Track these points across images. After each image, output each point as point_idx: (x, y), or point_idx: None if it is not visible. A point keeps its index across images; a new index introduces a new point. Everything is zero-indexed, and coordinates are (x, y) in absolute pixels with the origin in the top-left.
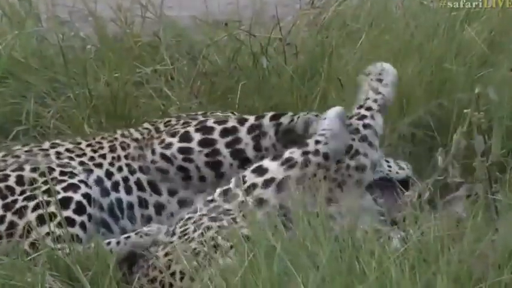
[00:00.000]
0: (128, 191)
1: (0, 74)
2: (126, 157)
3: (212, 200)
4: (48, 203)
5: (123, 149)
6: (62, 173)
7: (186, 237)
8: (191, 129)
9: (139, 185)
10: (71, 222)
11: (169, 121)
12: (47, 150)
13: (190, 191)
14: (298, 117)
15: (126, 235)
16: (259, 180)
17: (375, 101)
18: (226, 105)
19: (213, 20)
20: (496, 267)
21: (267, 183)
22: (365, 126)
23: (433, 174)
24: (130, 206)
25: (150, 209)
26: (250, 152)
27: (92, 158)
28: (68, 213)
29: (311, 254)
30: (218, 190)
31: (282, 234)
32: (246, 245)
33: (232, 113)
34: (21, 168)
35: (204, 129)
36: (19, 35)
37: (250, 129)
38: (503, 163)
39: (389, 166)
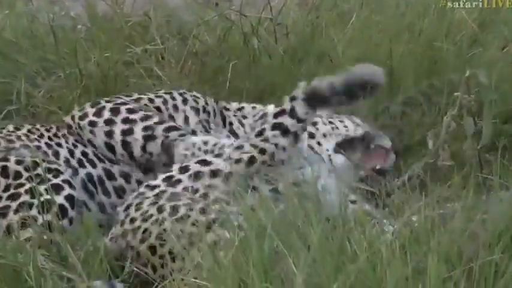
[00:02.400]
0: (93, 165)
1: None
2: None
3: (156, 186)
4: (30, 206)
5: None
6: (48, 170)
7: (153, 218)
8: (108, 106)
9: (97, 156)
10: (61, 219)
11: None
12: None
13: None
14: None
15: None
16: (206, 169)
17: None
18: (217, 85)
19: (204, 0)
20: (486, 247)
21: (214, 173)
22: None
23: (423, 156)
24: (101, 180)
25: (119, 180)
26: (137, 151)
27: (50, 139)
28: (49, 217)
29: (302, 234)
30: (160, 176)
31: (272, 214)
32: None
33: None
34: (5, 159)
35: (115, 110)
36: (9, 14)
37: (145, 128)
38: (493, 144)
39: (345, 126)
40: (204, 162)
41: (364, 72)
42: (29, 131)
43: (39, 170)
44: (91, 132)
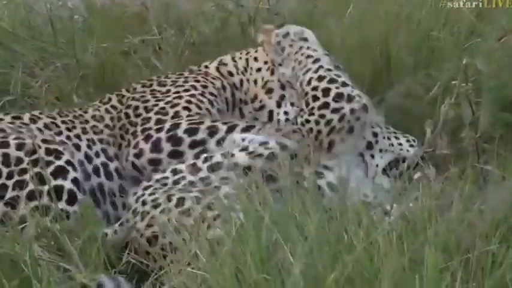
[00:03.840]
0: (109, 177)
1: None
2: (100, 141)
3: (178, 171)
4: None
5: (96, 133)
6: (48, 152)
7: (160, 208)
8: (163, 136)
9: (118, 173)
10: (66, 212)
11: (138, 108)
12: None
13: None
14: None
15: (118, 222)
16: (226, 161)
17: None
18: None
19: None
20: (484, 237)
21: (232, 166)
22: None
23: (421, 145)
24: (112, 193)
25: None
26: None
27: (68, 138)
28: (62, 204)
29: (299, 225)
30: (187, 162)
31: (270, 205)
32: (233, 216)
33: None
34: (6, 145)
35: (174, 139)
36: (7, 4)
37: (219, 142)
38: (491, 134)
39: (400, 144)
40: (227, 155)
41: None
42: (45, 125)
43: (41, 152)
44: (154, 170)
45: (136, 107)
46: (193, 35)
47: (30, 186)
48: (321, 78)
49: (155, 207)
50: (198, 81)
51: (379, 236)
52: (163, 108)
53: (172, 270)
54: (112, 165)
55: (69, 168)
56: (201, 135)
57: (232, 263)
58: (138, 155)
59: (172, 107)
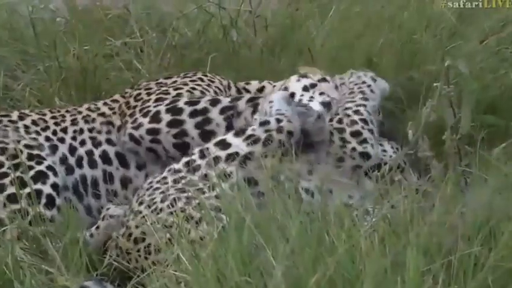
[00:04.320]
0: (92, 165)
1: None
2: (90, 130)
3: (178, 170)
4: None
5: (87, 122)
6: (30, 157)
7: (154, 207)
8: (162, 108)
9: (105, 157)
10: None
11: (140, 94)
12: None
13: (159, 166)
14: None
15: (95, 226)
16: (223, 153)
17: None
18: None
19: None
20: (465, 240)
21: (230, 157)
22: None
23: (403, 147)
24: (95, 182)
25: (115, 184)
26: (222, 133)
27: (54, 132)
28: (40, 208)
29: (281, 226)
30: (183, 160)
31: (252, 206)
32: (215, 218)
33: (205, 75)
34: None
35: (174, 109)
36: None
37: (223, 110)
38: (472, 136)
39: (384, 151)
40: (223, 145)
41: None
42: (33, 122)
43: (22, 157)
44: (152, 141)
45: (138, 94)
46: (175, 38)
47: (9, 190)
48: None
49: (149, 206)
50: (206, 75)
51: (361, 238)
52: (166, 90)
53: (154, 273)
54: (97, 152)
55: (50, 173)
56: (202, 104)
57: (214, 265)
58: (136, 127)
59: (175, 89)
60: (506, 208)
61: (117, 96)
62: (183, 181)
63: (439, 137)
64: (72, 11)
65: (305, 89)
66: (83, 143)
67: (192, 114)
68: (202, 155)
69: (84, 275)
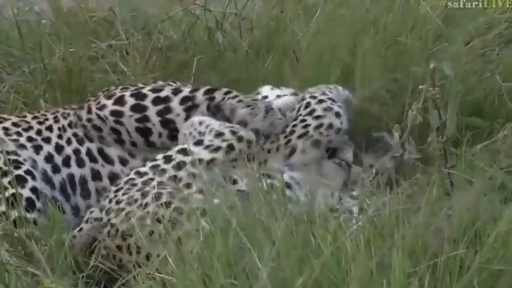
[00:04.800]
0: (80, 164)
1: None
2: (70, 126)
3: (144, 173)
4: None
5: (65, 118)
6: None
7: (138, 203)
8: (127, 93)
9: (90, 156)
10: (25, 219)
11: (109, 88)
12: None
13: (139, 160)
14: (229, 98)
15: (77, 228)
16: (187, 159)
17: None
18: (182, 80)
19: None
20: (451, 242)
21: (195, 163)
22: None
23: (389, 150)
24: (84, 180)
25: (104, 181)
26: (180, 123)
27: (39, 132)
28: (20, 212)
29: (266, 229)
30: (148, 164)
31: (237, 209)
32: (201, 220)
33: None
34: None
35: (138, 95)
36: None
37: (183, 100)
38: (458, 138)
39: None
40: (185, 152)
41: None
42: (14, 124)
43: (0, 163)
44: (116, 122)
45: (108, 89)
46: (161, 40)
47: None
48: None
49: (130, 204)
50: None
51: (347, 240)
52: (133, 83)
53: (139, 275)
54: (83, 149)
55: (28, 177)
56: (165, 93)
57: (200, 267)
58: (100, 108)
59: (142, 83)
60: (491, 210)
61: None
62: (152, 183)
63: (424, 139)
64: (57, 13)
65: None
66: (69, 141)
67: (155, 101)
68: (168, 160)
69: (70, 277)
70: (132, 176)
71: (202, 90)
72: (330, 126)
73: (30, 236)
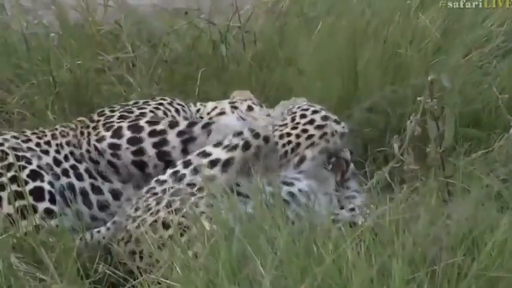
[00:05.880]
0: (79, 178)
1: None
2: (67, 144)
3: (164, 181)
4: (21, 194)
5: (63, 136)
6: (17, 158)
7: (151, 211)
8: (124, 125)
9: (89, 173)
10: (50, 213)
11: (103, 111)
12: None
13: (143, 178)
14: None
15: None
16: (205, 161)
17: None
18: (186, 92)
19: (173, 8)
20: (449, 250)
21: (212, 163)
22: None
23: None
24: (84, 192)
25: (106, 195)
26: (177, 156)
27: (38, 144)
28: (46, 204)
29: (269, 238)
30: (168, 171)
31: (241, 217)
32: (206, 229)
33: (172, 101)
34: None
35: (135, 127)
36: None
37: (180, 133)
38: (456, 148)
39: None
40: (204, 154)
41: None
42: (14, 137)
43: (10, 159)
44: (113, 155)
45: (102, 111)
46: (166, 53)
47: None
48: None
49: (146, 211)
50: (165, 99)
51: (348, 249)
52: (129, 109)
53: (146, 280)
54: (82, 166)
55: (42, 172)
56: (161, 126)
57: (205, 274)
58: (99, 140)
59: (139, 109)
60: (488, 219)
61: (84, 118)
62: (171, 190)
63: (423, 150)
64: (64, 26)
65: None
66: (66, 158)
67: (151, 134)
68: (186, 165)
69: (77, 283)
70: (152, 184)
71: (201, 124)
72: (334, 133)
73: (40, 243)
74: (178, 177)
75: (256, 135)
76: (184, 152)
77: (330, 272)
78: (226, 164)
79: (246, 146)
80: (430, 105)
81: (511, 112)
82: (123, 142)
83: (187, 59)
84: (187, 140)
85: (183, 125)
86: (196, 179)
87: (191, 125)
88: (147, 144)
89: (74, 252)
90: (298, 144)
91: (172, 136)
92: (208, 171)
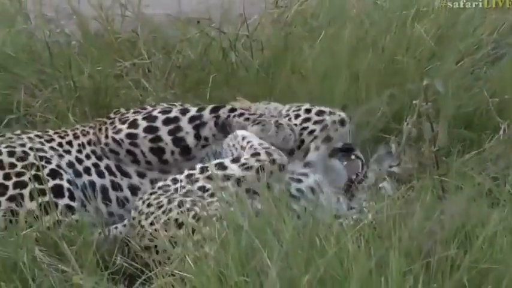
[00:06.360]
0: (100, 175)
1: None
2: (89, 143)
3: (179, 181)
4: (42, 191)
5: (84, 135)
6: (39, 158)
7: (163, 208)
8: (139, 117)
9: (109, 170)
10: (70, 208)
11: (119, 110)
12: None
13: (157, 172)
14: (235, 116)
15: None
16: (221, 173)
17: None
18: (199, 96)
19: (186, 18)
20: (443, 244)
21: (226, 177)
22: None
23: (387, 159)
24: (104, 189)
25: (125, 191)
26: (190, 140)
27: (60, 144)
28: (65, 201)
29: (276, 231)
30: (185, 173)
31: (249, 212)
32: (217, 224)
33: (181, 105)
34: None
35: (149, 117)
36: (10, 32)
37: (191, 119)
38: (449, 148)
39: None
40: (222, 167)
41: None
42: (37, 136)
43: (30, 158)
44: (131, 144)
45: (117, 110)
46: (179, 59)
47: (31, 186)
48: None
49: (158, 208)
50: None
51: (349, 242)
52: (143, 106)
53: (161, 272)
54: (102, 164)
55: (61, 171)
56: (173, 114)
57: (215, 266)
58: (116, 132)
59: (152, 106)
60: (480, 214)
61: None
62: (183, 190)
63: (419, 150)
64: (85, 35)
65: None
66: (88, 156)
67: (165, 122)
68: (202, 171)
69: (97, 274)
70: (167, 182)
71: (208, 109)
72: (333, 122)
73: (62, 236)
74: (192, 180)
75: (272, 162)
76: (197, 137)
77: (332, 263)
78: (239, 180)
79: (261, 169)
80: (425, 108)
81: (500, 115)
82: (139, 131)
83: (199, 65)
84: (198, 125)
85: (193, 110)
86: (209, 185)
87: (200, 110)
88: (163, 132)
89: (94, 245)
90: (302, 142)
91: (184, 122)
92: (221, 183)
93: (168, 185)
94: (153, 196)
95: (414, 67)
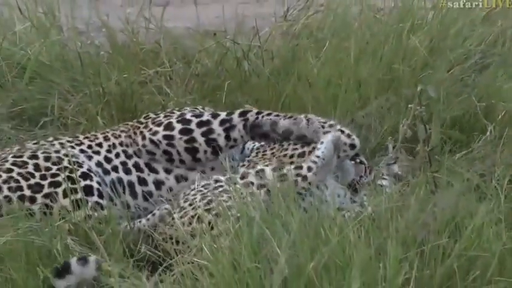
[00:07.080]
0: (127, 172)
1: (30, 75)
2: (120, 144)
3: (220, 180)
4: (74, 190)
5: (116, 137)
6: (70, 162)
7: (194, 205)
8: (173, 120)
9: (137, 167)
10: (99, 205)
11: (148, 115)
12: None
13: (183, 168)
14: (263, 116)
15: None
16: (257, 182)
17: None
18: (215, 101)
19: (204, 31)
20: (436, 233)
21: (259, 186)
22: None
23: (384, 158)
24: (131, 184)
25: (150, 186)
26: (221, 141)
27: (89, 147)
28: (95, 198)
29: (284, 223)
30: (228, 174)
31: (260, 206)
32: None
33: (203, 108)
34: (36, 157)
35: (184, 120)
36: (45, 42)
37: (222, 122)
38: (441, 148)
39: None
40: (260, 174)
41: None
42: (68, 141)
43: (64, 163)
44: (168, 144)
45: (147, 115)
46: (198, 68)
47: (65, 185)
48: None
49: (191, 204)
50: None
51: (350, 232)
52: (171, 111)
53: (181, 260)
54: (130, 162)
55: (92, 174)
56: (205, 117)
57: (230, 254)
58: (153, 134)
59: (179, 110)
60: (468, 207)
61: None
62: (220, 189)
63: (413, 149)
64: (113, 46)
65: None
66: (117, 155)
67: (199, 125)
68: (242, 177)
69: (123, 261)
70: (210, 181)
71: (237, 113)
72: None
73: (92, 227)
74: (231, 182)
75: (305, 178)
76: (227, 138)
77: (335, 251)
78: (269, 190)
79: (294, 183)
80: (419, 111)
81: (487, 117)
82: (175, 133)
83: (216, 73)
84: (228, 128)
85: (223, 114)
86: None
87: (229, 114)
88: (197, 134)
89: (120, 235)
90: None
91: (216, 125)
92: (253, 190)
93: (209, 184)
94: (192, 193)
95: (409, 75)
